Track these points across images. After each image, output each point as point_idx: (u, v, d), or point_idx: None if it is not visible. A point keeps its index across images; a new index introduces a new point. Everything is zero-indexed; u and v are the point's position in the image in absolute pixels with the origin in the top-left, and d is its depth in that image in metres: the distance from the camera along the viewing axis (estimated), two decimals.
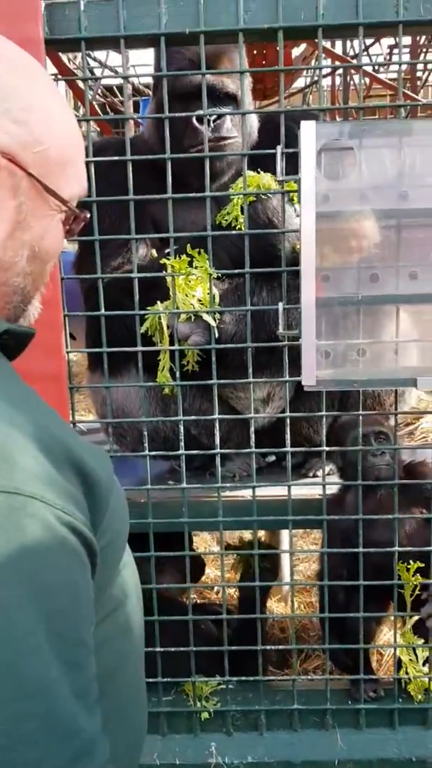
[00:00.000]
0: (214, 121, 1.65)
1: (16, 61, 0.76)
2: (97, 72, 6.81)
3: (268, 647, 1.71)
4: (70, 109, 0.84)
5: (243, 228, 1.51)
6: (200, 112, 1.48)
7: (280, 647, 1.97)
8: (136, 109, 6.94)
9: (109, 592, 0.75)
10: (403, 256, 1.40)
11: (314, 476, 1.87)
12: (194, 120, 1.64)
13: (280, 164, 1.40)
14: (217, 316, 1.54)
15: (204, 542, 3.07)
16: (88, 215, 0.86)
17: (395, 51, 6.83)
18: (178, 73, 1.53)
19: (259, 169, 1.57)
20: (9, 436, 0.61)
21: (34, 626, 0.57)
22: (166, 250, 1.62)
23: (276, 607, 2.51)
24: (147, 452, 1.56)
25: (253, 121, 1.82)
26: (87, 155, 1.44)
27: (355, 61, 5.62)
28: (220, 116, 1.66)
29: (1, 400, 0.64)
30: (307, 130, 1.30)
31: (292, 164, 1.40)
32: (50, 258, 0.82)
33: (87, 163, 1.43)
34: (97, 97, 6.43)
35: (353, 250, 1.40)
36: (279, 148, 1.39)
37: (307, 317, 1.37)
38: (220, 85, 1.69)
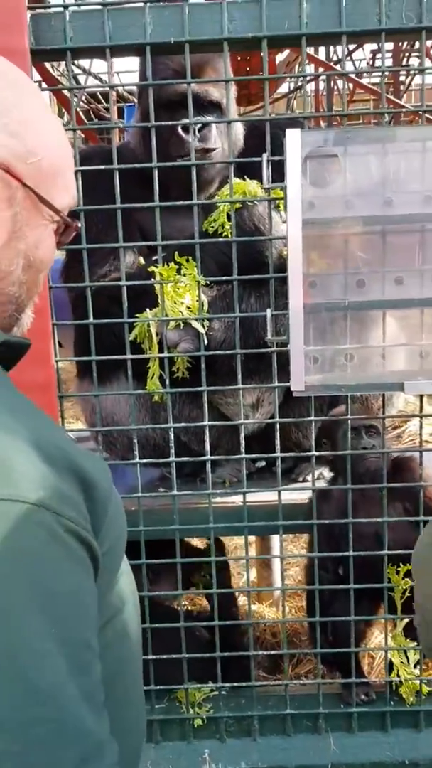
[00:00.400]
0: (199, 130, 1.66)
1: (9, 75, 0.78)
2: (81, 78, 6.81)
3: (260, 653, 1.71)
4: (58, 120, 0.85)
5: (230, 235, 1.52)
6: (186, 121, 1.49)
7: (272, 652, 1.97)
8: (120, 115, 6.94)
9: (108, 599, 0.76)
10: (388, 261, 1.41)
11: (304, 481, 1.88)
12: (180, 129, 1.65)
13: (266, 172, 1.41)
14: (206, 323, 1.54)
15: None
16: (79, 225, 0.87)
17: (378, 56, 6.89)
18: (163, 82, 1.54)
19: (245, 176, 1.58)
20: (10, 444, 0.62)
21: (41, 631, 0.58)
22: (153, 258, 1.63)
23: (267, 612, 2.51)
24: (137, 460, 1.56)
25: (239, 129, 1.84)
26: (81, 163, 1.45)
27: (338, 67, 5.67)
28: (205, 125, 1.67)
29: (1, 409, 0.65)
30: (293, 138, 1.31)
31: (279, 171, 1.42)
32: (44, 267, 0.83)
33: (74, 172, 1.45)
34: (81, 103, 6.43)
35: (339, 257, 1.41)
36: (265, 156, 1.40)
37: (295, 323, 1.38)
38: (205, 94, 1.70)
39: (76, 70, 6.98)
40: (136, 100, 1.94)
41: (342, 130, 1.37)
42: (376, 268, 1.41)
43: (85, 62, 6.11)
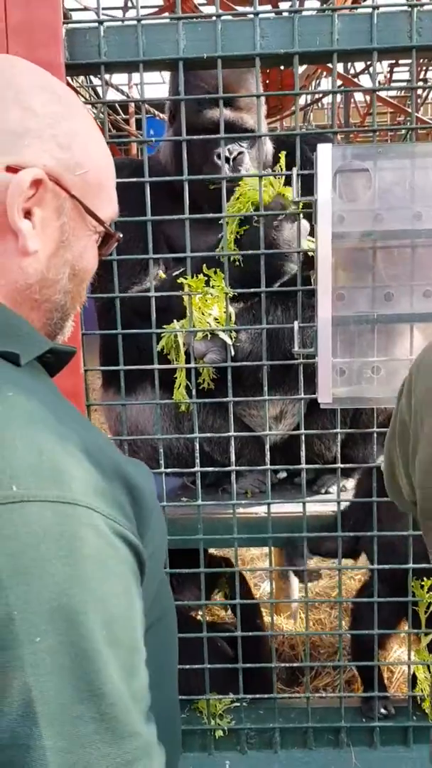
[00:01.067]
0: (234, 159, 1.69)
1: (57, 90, 0.81)
2: (100, 90, 6.87)
3: (281, 665, 1.71)
4: (101, 133, 0.87)
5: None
6: (218, 136, 1.50)
7: (294, 665, 1.96)
8: (139, 126, 7.01)
9: (150, 606, 0.76)
10: (416, 275, 1.42)
11: (326, 492, 1.88)
12: (215, 157, 1.67)
13: (295, 186, 1.42)
14: (233, 334, 1.55)
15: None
16: (121, 236, 0.89)
17: (396, 69, 6.91)
18: (196, 96, 1.56)
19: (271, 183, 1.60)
20: (62, 449, 0.63)
21: (94, 632, 0.58)
22: (175, 272, 1.64)
23: (285, 624, 2.50)
24: (162, 469, 1.56)
25: (269, 147, 1.85)
26: None
27: (358, 81, 5.68)
28: (239, 153, 1.70)
29: (50, 414, 0.66)
30: (324, 152, 1.32)
31: (306, 186, 1.43)
32: (87, 277, 0.86)
33: None
34: (101, 115, 6.48)
35: (367, 270, 1.42)
36: (294, 170, 1.41)
37: (323, 335, 1.39)
38: (240, 122, 1.73)
39: (96, 82, 7.05)
40: (165, 117, 1.96)
41: (372, 146, 1.38)
42: (404, 282, 1.42)
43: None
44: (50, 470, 0.60)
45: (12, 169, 0.74)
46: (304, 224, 1.54)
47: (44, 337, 0.79)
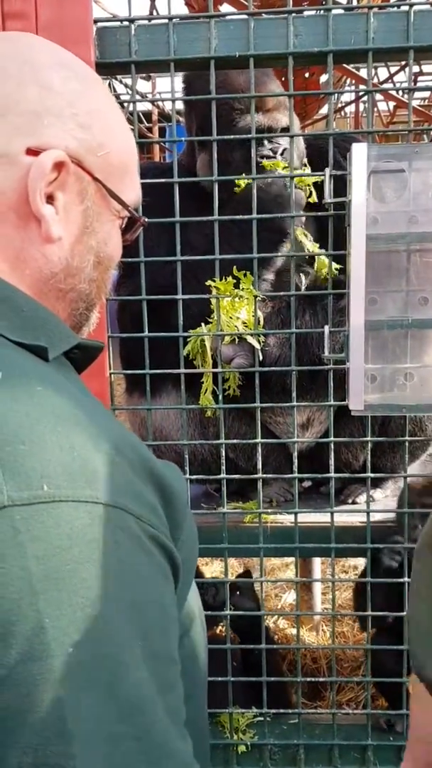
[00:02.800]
0: (281, 154, 1.67)
1: (76, 68, 0.77)
2: (124, 97, 6.91)
3: (307, 679, 1.67)
4: (122, 112, 0.85)
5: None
6: (248, 136, 1.47)
7: (320, 680, 1.92)
8: (162, 134, 7.02)
9: (180, 614, 0.73)
10: None
11: (353, 502, 1.84)
12: (259, 159, 1.65)
13: (328, 186, 1.39)
14: (261, 338, 1.52)
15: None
16: (147, 220, 0.86)
17: (420, 78, 6.88)
18: (227, 96, 1.53)
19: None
20: (93, 447, 0.60)
21: (130, 643, 0.55)
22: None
23: (307, 636, 2.46)
24: (188, 476, 1.53)
25: (302, 146, 1.83)
26: None
27: (382, 86, 5.66)
28: (285, 149, 1.68)
29: (80, 411, 0.63)
30: (359, 152, 1.29)
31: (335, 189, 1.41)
32: (112, 264, 0.82)
33: None
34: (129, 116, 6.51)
35: (401, 273, 1.38)
36: (327, 171, 1.38)
37: (356, 341, 1.35)
38: (275, 123, 1.70)
39: (118, 88, 7.10)
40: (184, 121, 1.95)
41: (408, 145, 1.34)
42: None
43: (127, 79, 6.22)
44: (82, 469, 0.57)
45: (32, 152, 0.71)
46: (299, 193, 1.53)
47: (72, 331, 0.76)
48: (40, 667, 0.50)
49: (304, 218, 1.58)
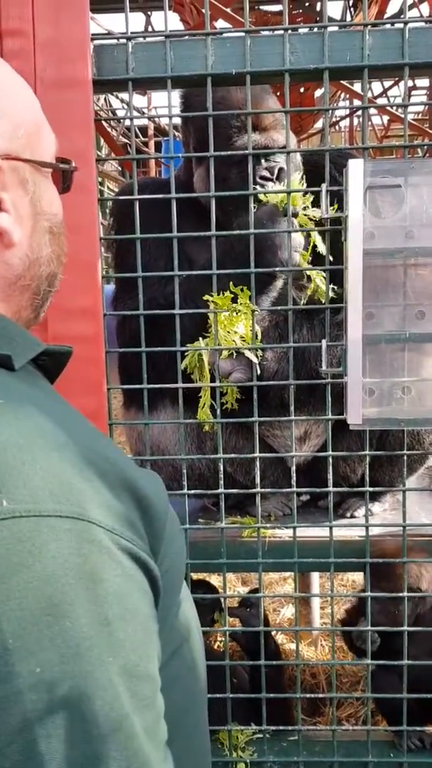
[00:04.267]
0: (276, 176, 1.68)
1: None
2: (119, 112, 6.95)
3: (307, 695, 1.65)
4: (13, 71, 0.79)
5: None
6: (244, 152, 1.48)
7: (320, 695, 1.90)
8: (158, 149, 7.07)
9: (174, 625, 0.71)
10: None
11: (352, 516, 1.83)
12: (258, 178, 1.66)
13: (324, 202, 1.39)
14: (259, 353, 1.52)
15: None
16: (73, 164, 0.84)
17: (414, 92, 6.94)
18: (225, 112, 1.54)
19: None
20: (59, 458, 0.58)
21: (102, 659, 0.52)
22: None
23: (306, 651, 2.44)
24: (185, 490, 1.53)
25: (299, 162, 1.84)
26: (132, 194, 1.45)
27: (377, 102, 5.70)
28: (280, 171, 1.69)
29: (50, 422, 0.61)
30: (355, 168, 1.30)
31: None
32: (60, 223, 0.80)
33: (130, 202, 1.45)
34: (120, 138, 6.56)
35: (398, 287, 1.38)
36: (324, 186, 1.39)
37: (353, 355, 1.35)
38: (271, 142, 1.72)
39: (114, 104, 7.14)
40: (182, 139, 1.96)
41: (405, 161, 1.35)
42: None
43: (124, 95, 6.26)
44: (45, 482, 0.55)
45: None
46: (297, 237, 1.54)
47: (36, 338, 0.74)
48: (6, 689, 0.48)
49: (302, 241, 1.59)
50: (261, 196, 1.53)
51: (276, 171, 1.70)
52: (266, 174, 1.69)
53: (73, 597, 0.52)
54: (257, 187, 1.66)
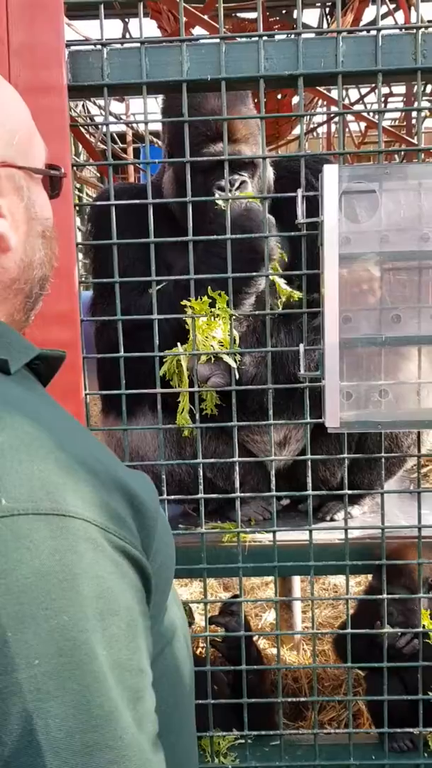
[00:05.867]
0: (237, 188, 1.68)
1: None
2: (98, 118, 6.94)
3: (288, 699, 1.65)
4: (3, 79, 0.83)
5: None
6: (220, 156, 1.48)
7: (302, 699, 1.90)
8: (137, 155, 7.07)
9: (162, 625, 0.72)
10: (424, 297, 1.40)
11: (332, 519, 1.84)
12: (217, 192, 1.66)
13: (300, 207, 1.40)
14: (238, 357, 1.52)
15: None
16: (63, 170, 0.86)
17: (390, 99, 7.01)
18: (199, 118, 1.55)
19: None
20: (54, 459, 0.59)
21: (96, 652, 0.54)
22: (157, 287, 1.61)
23: (288, 655, 2.44)
24: (165, 496, 1.52)
25: (270, 174, 1.84)
26: (109, 200, 1.45)
27: (353, 108, 5.76)
28: (242, 183, 1.70)
29: (45, 425, 0.62)
30: (330, 173, 1.31)
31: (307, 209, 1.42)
32: (53, 229, 0.83)
33: (107, 208, 1.45)
34: (99, 144, 6.55)
35: (374, 292, 1.39)
36: (299, 192, 1.40)
37: (331, 358, 1.36)
38: (238, 155, 1.72)
39: (92, 110, 7.13)
40: (161, 144, 1.96)
41: (379, 166, 1.37)
42: (412, 304, 1.40)
43: (100, 101, 6.26)
44: (42, 482, 0.57)
45: None
46: (270, 218, 1.54)
47: (31, 342, 0.76)
48: (5, 680, 0.50)
49: (279, 239, 1.59)
50: (220, 202, 1.53)
51: (237, 183, 1.70)
52: (227, 185, 1.69)
53: (70, 593, 0.54)
54: (220, 193, 1.65)
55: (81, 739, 0.52)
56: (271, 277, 1.51)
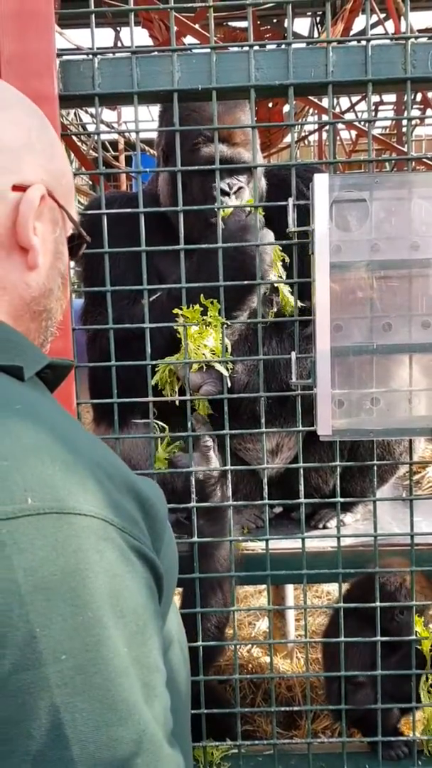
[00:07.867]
0: (234, 193, 1.68)
1: (29, 102, 0.83)
2: (90, 127, 6.95)
3: (281, 708, 1.65)
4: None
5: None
6: (213, 167, 1.49)
7: (295, 708, 1.90)
8: (129, 164, 7.08)
9: (162, 631, 0.73)
10: (415, 305, 1.40)
11: (324, 527, 1.84)
12: (215, 192, 1.66)
13: (291, 215, 1.41)
14: (230, 365, 1.52)
15: None
16: (88, 238, 0.93)
17: (381, 107, 7.06)
18: (192, 128, 1.55)
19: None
20: (74, 461, 0.61)
21: (119, 649, 0.56)
22: (151, 298, 1.61)
23: (281, 664, 2.43)
24: None
25: (263, 183, 1.85)
26: (100, 209, 1.45)
27: (343, 118, 5.79)
28: (240, 188, 1.70)
29: (61, 428, 0.64)
30: (320, 182, 1.31)
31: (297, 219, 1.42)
32: (68, 281, 0.89)
33: (98, 216, 1.45)
34: (91, 152, 6.56)
35: (365, 300, 1.40)
36: (290, 200, 1.40)
37: (322, 367, 1.36)
38: (238, 157, 1.73)
39: (85, 119, 7.14)
40: (155, 153, 1.96)
41: (369, 175, 1.37)
42: (403, 312, 1.40)
43: (92, 109, 6.28)
44: (64, 482, 0.59)
45: (18, 188, 0.75)
46: (268, 232, 1.55)
47: (42, 351, 0.79)
48: (33, 675, 0.51)
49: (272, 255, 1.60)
50: (225, 212, 1.54)
51: (235, 188, 1.71)
52: (226, 189, 1.70)
53: (93, 590, 0.56)
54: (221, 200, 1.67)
55: (107, 732, 0.53)
56: (276, 285, 1.52)
